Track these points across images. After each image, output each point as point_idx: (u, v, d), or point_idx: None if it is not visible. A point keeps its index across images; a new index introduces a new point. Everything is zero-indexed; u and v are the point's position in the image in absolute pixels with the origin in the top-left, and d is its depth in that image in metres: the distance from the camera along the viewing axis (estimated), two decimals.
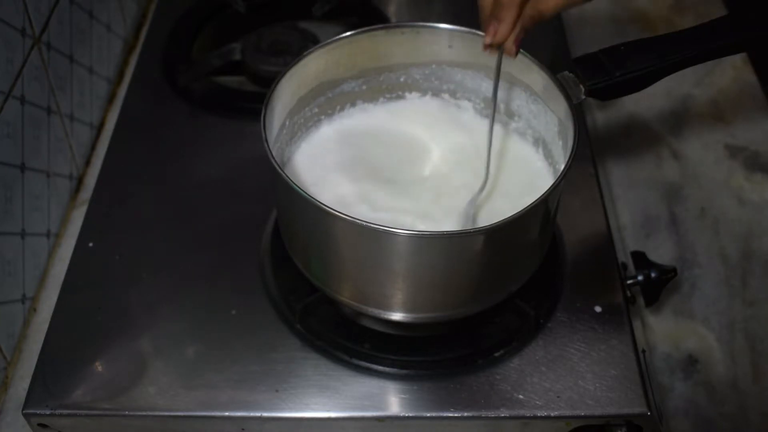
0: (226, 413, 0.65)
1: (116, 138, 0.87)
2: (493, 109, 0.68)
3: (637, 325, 0.73)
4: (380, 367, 0.67)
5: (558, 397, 0.65)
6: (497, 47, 0.63)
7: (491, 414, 0.64)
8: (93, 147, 0.92)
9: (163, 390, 0.66)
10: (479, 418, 0.64)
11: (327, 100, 0.75)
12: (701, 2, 1.12)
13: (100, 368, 0.67)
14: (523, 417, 0.64)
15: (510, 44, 0.62)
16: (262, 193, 0.79)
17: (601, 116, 0.98)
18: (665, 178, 0.92)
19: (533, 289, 0.69)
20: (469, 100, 0.77)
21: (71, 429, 0.67)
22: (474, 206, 0.68)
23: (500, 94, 0.74)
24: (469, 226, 0.67)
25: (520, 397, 0.65)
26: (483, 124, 0.76)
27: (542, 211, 0.62)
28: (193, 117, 0.90)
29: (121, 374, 0.67)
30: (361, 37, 0.71)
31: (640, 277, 0.75)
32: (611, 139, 0.96)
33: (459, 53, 0.73)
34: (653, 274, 0.75)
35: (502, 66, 0.72)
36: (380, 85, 0.77)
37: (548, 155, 0.72)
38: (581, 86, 0.64)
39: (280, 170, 0.59)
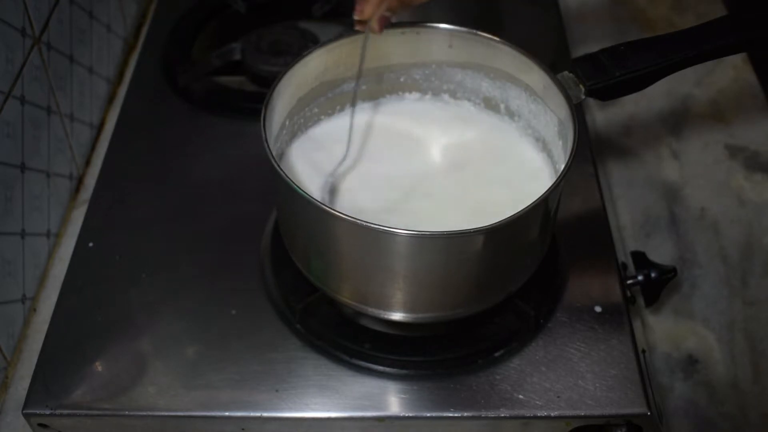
0: (226, 413, 0.65)
1: (116, 138, 0.87)
2: (357, 81, 0.72)
3: (637, 325, 0.73)
4: (380, 367, 0.67)
5: (558, 397, 0.65)
6: (364, 23, 0.68)
7: (491, 414, 0.64)
8: (93, 147, 0.92)
9: (163, 390, 0.66)
10: (479, 418, 0.64)
11: (327, 100, 0.75)
12: (701, 2, 1.12)
13: (100, 368, 0.67)
14: (523, 417, 0.64)
15: (374, 23, 0.67)
16: (262, 193, 0.79)
17: (601, 116, 0.98)
18: (665, 178, 0.92)
19: (533, 289, 0.69)
20: (469, 100, 0.77)
21: (71, 429, 0.66)
22: (334, 177, 0.71)
23: (499, 93, 0.75)
24: (325, 198, 0.69)
25: (520, 397, 0.65)
26: (483, 125, 0.76)
27: (542, 211, 0.62)
28: (193, 117, 0.90)
29: (121, 374, 0.67)
30: (361, 37, 0.71)
31: (640, 277, 0.75)
32: (611, 139, 0.96)
33: (459, 53, 0.73)
34: (653, 274, 0.75)
35: (502, 65, 0.72)
36: (380, 85, 0.77)
37: (548, 155, 0.72)
38: (581, 86, 0.64)
39: (280, 170, 0.59)
